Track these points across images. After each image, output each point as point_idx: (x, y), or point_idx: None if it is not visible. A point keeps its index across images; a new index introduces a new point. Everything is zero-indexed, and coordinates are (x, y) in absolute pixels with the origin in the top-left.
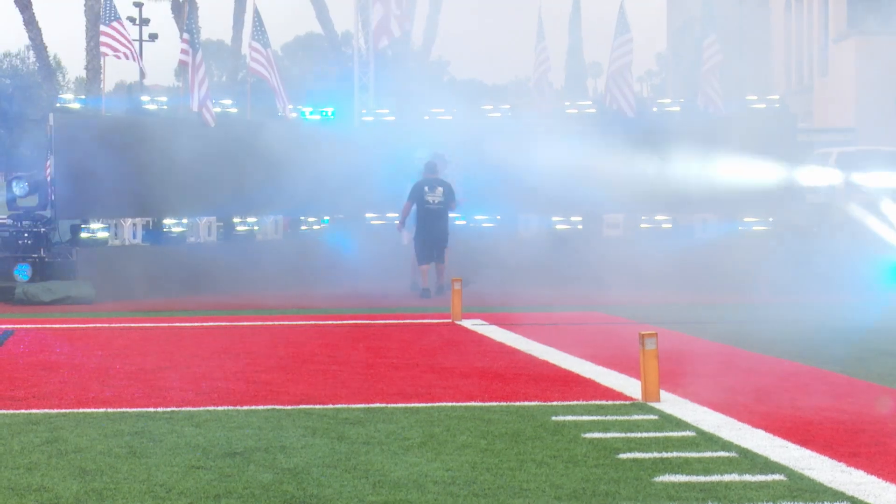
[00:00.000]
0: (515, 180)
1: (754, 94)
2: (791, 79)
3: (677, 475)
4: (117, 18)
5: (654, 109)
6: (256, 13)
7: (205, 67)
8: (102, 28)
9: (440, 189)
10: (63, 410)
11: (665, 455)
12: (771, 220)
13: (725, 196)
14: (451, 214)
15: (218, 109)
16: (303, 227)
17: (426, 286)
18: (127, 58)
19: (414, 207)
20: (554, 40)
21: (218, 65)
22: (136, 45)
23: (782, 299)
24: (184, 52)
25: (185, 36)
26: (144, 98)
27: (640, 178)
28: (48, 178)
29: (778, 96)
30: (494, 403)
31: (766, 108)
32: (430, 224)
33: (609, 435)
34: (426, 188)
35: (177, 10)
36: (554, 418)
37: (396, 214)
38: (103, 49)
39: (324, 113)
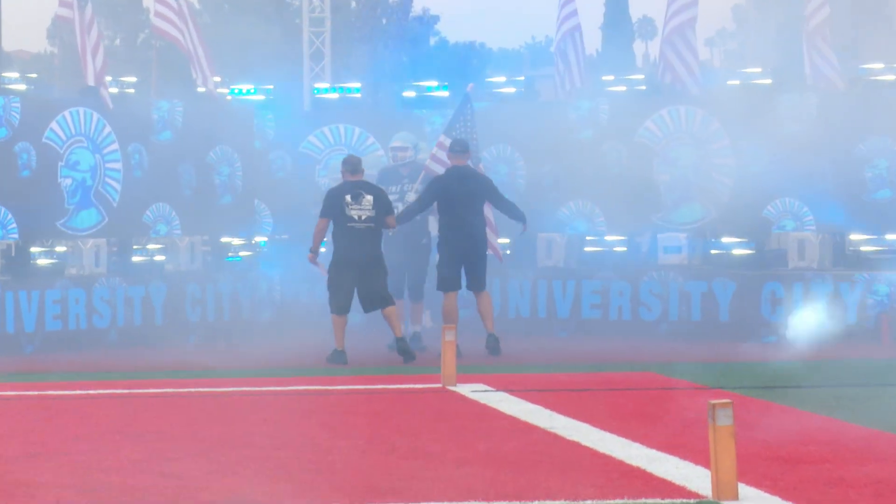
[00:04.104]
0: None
1: (877, 61)
2: None
3: None
4: None
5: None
6: None
7: (97, 27)
8: None
9: (369, 198)
10: None
11: None
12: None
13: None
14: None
15: (114, 90)
16: (235, 254)
17: (341, 347)
18: None
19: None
20: None
21: (110, 23)
22: None
23: None
24: (63, 3)
25: None
26: (10, 74)
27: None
28: None
29: None
30: (504, 503)
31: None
32: (353, 251)
33: None
34: (348, 198)
35: None
36: None
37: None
38: None
39: (267, 91)
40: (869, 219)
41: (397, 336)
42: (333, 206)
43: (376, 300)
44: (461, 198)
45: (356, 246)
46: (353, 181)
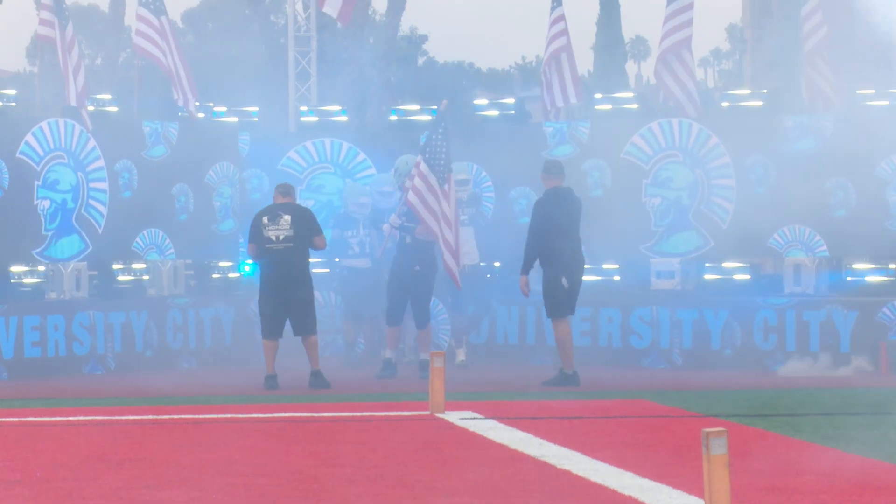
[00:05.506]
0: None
1: (868, 86)
2: None
3: None
4: None
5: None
6: None
7: (78, 47)
8: None
9: (286, 218)
10: None
11: None
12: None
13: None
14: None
15: (91, 108)
16: (215, 275)
17: (271, 372)
18: None
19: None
20: (578, 7)
21: (91, 43)
22: None
23: None
24: (44, 22)
25: (46, 1)
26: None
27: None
28: None
29: None
30: None
31: (888, 104)
32: (274, 272)
33: None
34: (265, 219)
35: None
36: None
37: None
38: None
39: (251, 114)
40: (891, 249)
41: (313, 368)
42: (254, 229)
43: (300, 326)
44: (565, 220)
45: (276, 267)
46: (277, 203)
